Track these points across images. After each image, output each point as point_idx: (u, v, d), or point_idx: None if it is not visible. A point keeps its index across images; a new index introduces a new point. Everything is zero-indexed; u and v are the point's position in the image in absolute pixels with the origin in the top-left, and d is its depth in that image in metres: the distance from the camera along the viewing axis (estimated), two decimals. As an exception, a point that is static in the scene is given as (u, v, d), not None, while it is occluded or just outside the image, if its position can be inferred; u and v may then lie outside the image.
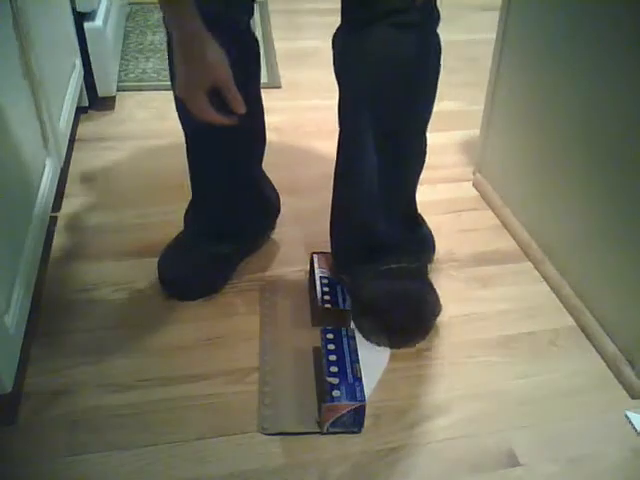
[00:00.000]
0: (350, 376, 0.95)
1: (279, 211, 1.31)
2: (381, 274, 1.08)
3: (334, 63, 1.03)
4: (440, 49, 0.98)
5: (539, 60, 1.22)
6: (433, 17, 0.96)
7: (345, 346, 1.00)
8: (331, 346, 1.00)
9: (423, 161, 1.07)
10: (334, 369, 0.96)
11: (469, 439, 0.94)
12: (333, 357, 0.98)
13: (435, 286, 1.13)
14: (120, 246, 1.28)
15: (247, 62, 1.07)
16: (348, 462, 0.90)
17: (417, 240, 1.14)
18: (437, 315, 1.10)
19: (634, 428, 0.96)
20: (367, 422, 0.94)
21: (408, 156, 1.06)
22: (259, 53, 1.10)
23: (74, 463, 0.89)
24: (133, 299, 1.15)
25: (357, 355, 0.99)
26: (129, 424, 0.94)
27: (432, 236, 1.17)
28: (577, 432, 0.96)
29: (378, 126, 0.99)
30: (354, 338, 1.02)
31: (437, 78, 1.00)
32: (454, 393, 1.01)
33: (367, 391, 0.97)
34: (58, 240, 1.29)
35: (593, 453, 0.93)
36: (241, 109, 0.91)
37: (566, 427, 0.97)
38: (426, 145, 1.05)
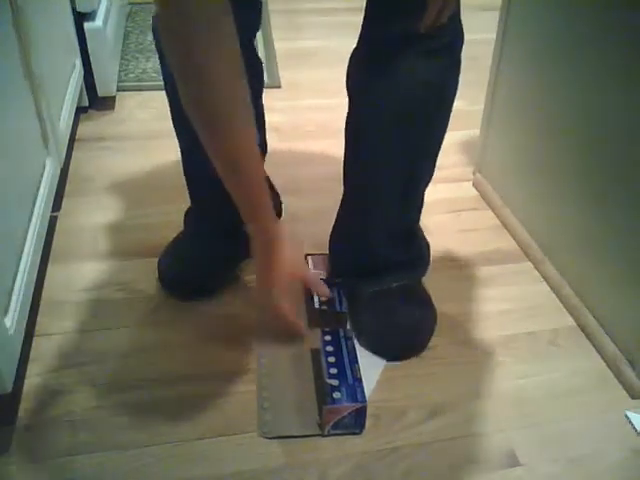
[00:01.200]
0: (350, 377, 0.94)
1: (280, 215, 1.30)
2: (379, 297, 1.08)
3: (349, 81, 1.00)
4: (459, 73, 0.97)
5: (539, 60, 1.22)
6: (459, 41, 0.95)
7: (344, 347, 1.00)
8: (330, 348, 0.99)
9: (429, 181, 1.07)
10: (334, 371, 0.95)
11: (469, 439, 0.94)
12: (332, 359, 0.97)
13: (435, 286, 1.12)
14: (120, 246, 1.28)
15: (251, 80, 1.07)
16: (348, 462, 0.90)
17: (415, 252, 1.14)
18: (433, 331, 1.10)
19: (634, 428, 0.96)
20: (367, 422, 0.94)
21: (422, 179, 1.05)
22: (262, 72, 1.11)
23: (74, 463, 0.88)
24: (133, 299, 1.15)
25: (356, 356, 0.99)
26: (129, 424, 0.94)
27: (427, 243, 1.16)
28: (577, 432, 0.96)
29: (397, 150, 0.98)
30: (352, 339, 1.02)
31: (454, 100, 0.99)
32: (454, 393, 1.01)
33: (367, 391, 0.96)
34: (58, 240, 1.29)
35: (593, 453, 0.93)
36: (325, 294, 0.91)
37: (566, 427, 0.97)
38: (435, 166, 1.05)
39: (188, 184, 1.15)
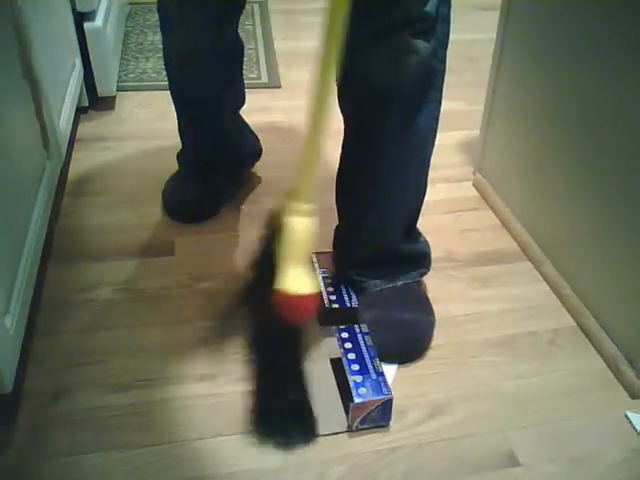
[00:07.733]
0: (373, 372, 0.95)
1: (261, 149, 1.49)
2: (379, 297, 1.08)
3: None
4: (445, 50, 0.96)
5: (539, 60, 1.22)
6: (442, 25, 0.93)
7: (362, 343, 1.00)
8: (348, 344, 1.00)
9: (429, 163, 1.06)
10: (355, 367, 0.96)
11: (469, 439, 0.94)
12: (352, 355, 0.98)
13: (435, 286, 1.12)
14: (120, 246, 1.28)
15: (233, 60, 1.24)
16: (348, 462, 0.90)
17: (416, 252, 1.14)
18: (432, 333, 1.09)
19: (634, 428, 0.97)
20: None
21: (424, 150, 1.04)
22: (243, 50, 1.28)
23: (74, 463, 0.89)
24: (133, 299, 1.15)
25: (374, 350, 0.99)
26: (129, 424, 0.94)
27: (427, 244, 1.16)
28: (577, 432, 0.96)
29: (402, 129, 0.97)
30: (369, 334, 1.02)
31: (444, 78, 0.99)
32: (454, 393, 1.01)
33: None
34: (58, 240, 1.29)
35: (593, 453, 0.93)
36: None
37: (566, 427, 0.97)
38: (435, 142, 1.04)
39: (179, 132, 1.33)
